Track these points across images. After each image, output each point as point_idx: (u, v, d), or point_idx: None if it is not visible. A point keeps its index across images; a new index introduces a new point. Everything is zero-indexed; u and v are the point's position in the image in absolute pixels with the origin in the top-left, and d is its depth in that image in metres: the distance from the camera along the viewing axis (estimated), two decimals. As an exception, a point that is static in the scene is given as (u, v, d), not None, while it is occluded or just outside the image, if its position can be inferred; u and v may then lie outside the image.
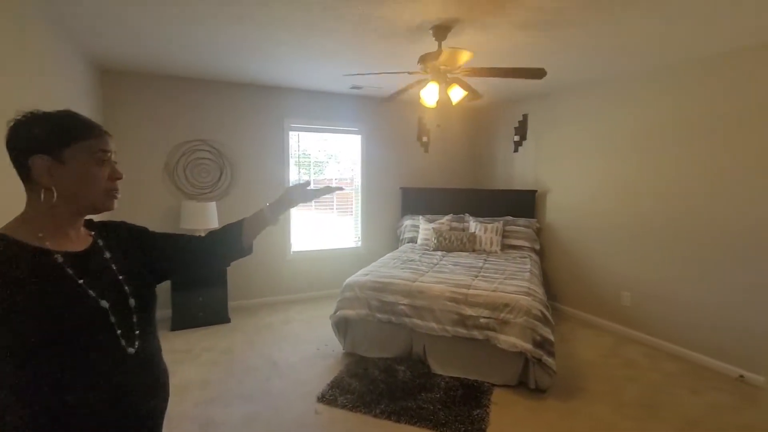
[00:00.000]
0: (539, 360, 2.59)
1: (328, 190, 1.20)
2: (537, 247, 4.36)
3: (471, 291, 2.89)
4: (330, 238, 4.82)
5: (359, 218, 4.92)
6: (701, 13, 2.30)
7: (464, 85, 2.69)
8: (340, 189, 1.27)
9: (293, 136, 4.49)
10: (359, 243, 4.94)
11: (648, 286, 3.54)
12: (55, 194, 0.80)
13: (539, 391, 2.66)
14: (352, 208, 4.93)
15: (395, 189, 5.09)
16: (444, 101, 2.81)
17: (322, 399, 2.57)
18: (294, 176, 4.53)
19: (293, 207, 1.19)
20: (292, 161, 4.49)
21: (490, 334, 2.71)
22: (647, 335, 3.54)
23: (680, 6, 2.21)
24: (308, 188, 1.17)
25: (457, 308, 2.82)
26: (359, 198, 4.90)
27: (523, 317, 2.65)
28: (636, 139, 3.59)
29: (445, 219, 4.66)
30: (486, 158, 5.37)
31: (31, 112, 0.82)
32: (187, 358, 3.14)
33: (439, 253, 4.17)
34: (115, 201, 0.90)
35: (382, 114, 4.90)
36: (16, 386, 0.73)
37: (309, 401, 2.57)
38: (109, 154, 0.87)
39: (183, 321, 3.70)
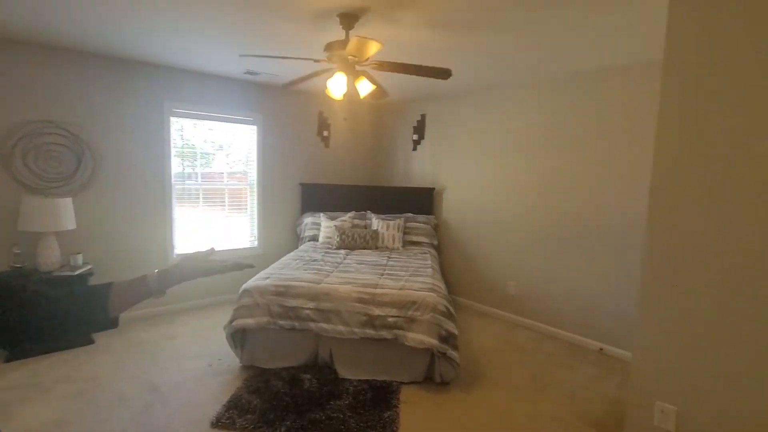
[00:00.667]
0: (444, 354, 2.66)
1: (237, 266, 1.01)
2: (435, 242, 4.54)
3: (378, 290, 2.84)
4: (221, 238, 4.35)
5: (255, 216, 4.54)
6: (579, 34, 2.58)
7: (371, 79, 2.61)
8: (251, 266, 1.06)
9: (175, 123, 3.92)
10: (255, 243, 4.56)
11: (530, 276, 3.93)
12: None
13: (444, 384, 2.74)
14: (246, 204, 4.52)
15: (294, 185, 4.83)
16: (349, 95, 2.69)
17: (218, 424, 2.26)
18: (176, 168, 3.96)
19: (189, 280, 0.97)
20: (173, 151, 3.92)
21: (399, 332, 2.70)
22: (530, 320, 3.93)
23: (564, 26, 2.45)
24: (211, 259, 0.97)
25: (365, 309, 2.74)
26: (254, 194, 4.52)
27: (430, 314, 2.69)
28: (521, 142, 3.95)
29: (348, 216, 4.56)
30: (387, 155, 5.42)
31: None
32: (33, 395, 2.49)
33: (343, 251, 4.06)
34: None
35: (280, 104, 4.59)
36: None
37: (201, 428, 2.24)
38: None
39: (22, 347, 2.94)
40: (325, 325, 2.75)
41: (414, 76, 2.58)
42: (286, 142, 4.69)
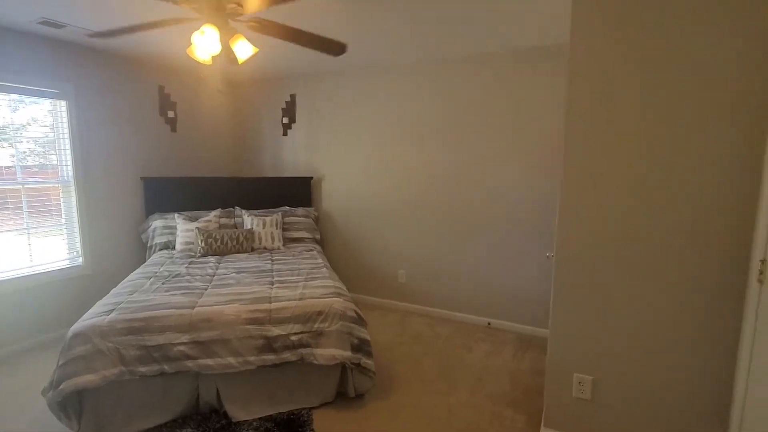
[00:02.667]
0: (358, 364, 2.35)
1: None
2: (318, 236, 4.14)
3: (274, 305, 2.34)
4: (17, 257, 3.09)
5: (75, 223, 3.37)
6: (460, 18, 2.50)
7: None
8: None
9: None
10: (80, 260, 3.40)
11: (418, 262, 3.90)
12: None
13: (359, 397, 2.44)
14: (60, 209, 3.31)
15: (133, 180, 3.76)
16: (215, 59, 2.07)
17: None
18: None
19: None
20: None
21: (305, 351, 2.27)
22: (422, 306, 3.92)
23: (448, 10, 2.33)
24: None
25: (261, 330, 2.22)
26: (71, 194, 3.34)
27: (339, 323, 2.34)
28: (409, 127, 3.82)
29: (212, 215, 3.78)
30: (252, 142, 4.71)
31: None
32: None
33: (212, 258, 3.33)
34: None
35: (103, 74, 3.46)
36: None
37: None
38: None
39: None
40: (208, 361, 2.13)
41: (284, 49, 2.12)
42: (115, 125, 3.58)
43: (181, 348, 2.11)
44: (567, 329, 2.04)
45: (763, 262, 1.55)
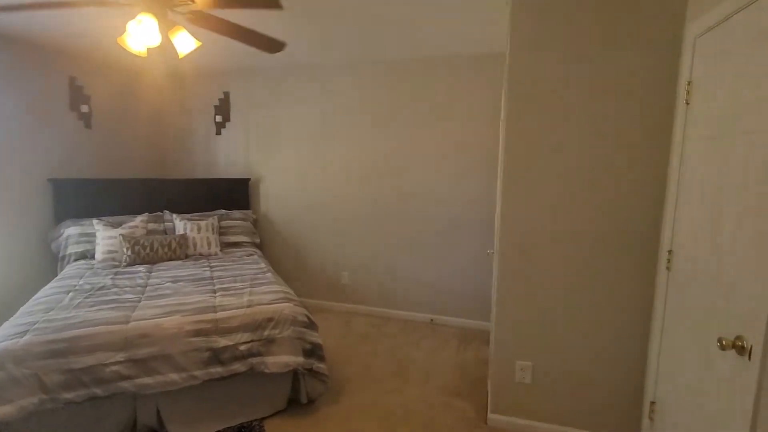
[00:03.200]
0: (311, 369, 2.32)
1: None
2: (257, 240, 3.99)
3: (220, 314, 2.22)
4: None
5: (-34, 234, 2.88)
6: (397, 22, 2.59)
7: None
8: None
9: None
10: (-28, 275, 2.92)
11: (361, 262, 3.93)
12: None
13: (312, 403, 2.40)
14: (-56, 217, 2.81)
15: (39, 182, 3.31)
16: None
17: None
18: None
19: None
20: None
21: (255, 360, 2.18)
22: (366, 306, 3.96)
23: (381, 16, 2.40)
24: None
25: (207, 342, 2.09)
26: (-39, 199, 2.86)
27: (290, 328, 2.28)
28: (340, 126, 3.82)
29: (138, 220, 3.46)
30: (182, 141, 4.39)
31: None
32: None
33: (141, 267, 3.05)
34: None
35: (1, 59, 3.00)
36: None
37: None
38: None
39: None
40: (147, 380, 1.96)
41: (217, 44, 2.03)
42: (15, 120, 3.13)
43: (115, 368, 1.91)
44: (509, 320, 2.20)
45: (670, 252, 1.82)
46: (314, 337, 2.38)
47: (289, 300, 2.44)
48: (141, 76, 4.10)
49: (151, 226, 3.51)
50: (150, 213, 3.63)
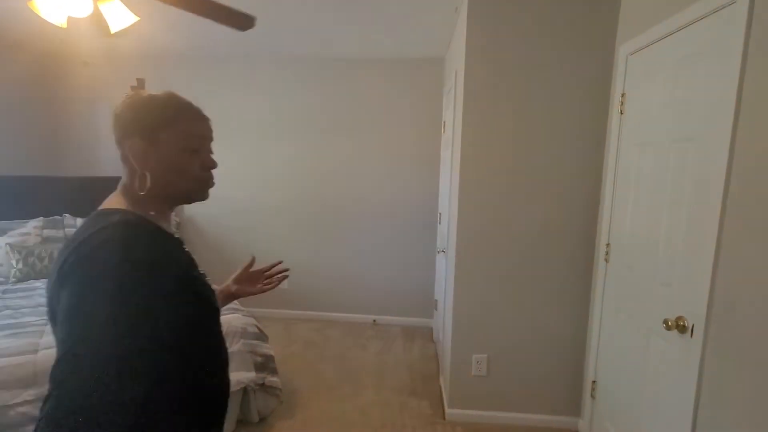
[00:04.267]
0: (262, 384, 2.15)
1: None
2: (181, 246, 3.59)
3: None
4: None
5: None
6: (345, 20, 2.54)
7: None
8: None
9: None
10: None
11: (301, 266, 3.73)
12: (149, 180, 0.74)
13: (264, 421, 2.23)
14: None
15: None
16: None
17: None
18: None
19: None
20: None
21: (201, 381, 1.94)
22: (307, 311, 3.80)
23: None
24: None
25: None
26: None
27: (240, 341, 2.09)
28: (276, 122, 3.63)
29: (31, 226, 2.89)
30: (84, 133, 3.76)
31: (137, 93, 0.80)
32: None
33: (38, 284, 2.54)
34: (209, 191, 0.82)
35: None
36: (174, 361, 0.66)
37: None
38: (205, 140, 0.82)
39: None
40: (68, 418, 1.63)
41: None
42: None
43: (23, 409, 1.56)
44: (465, 315, 2.27)
45: (608, 245, 2.02)
46: (266, 348, 2.21)
47: (235, 310, 2.23)
48: (52, 58, 3.44)
49: (47, 232, 2.95)
50: (46, 217, 3.05)
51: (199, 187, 0.82)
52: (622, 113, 1.92)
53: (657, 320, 1.57)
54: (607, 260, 2.02)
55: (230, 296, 1.07)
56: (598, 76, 2.03)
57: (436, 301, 3.38)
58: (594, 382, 2.12)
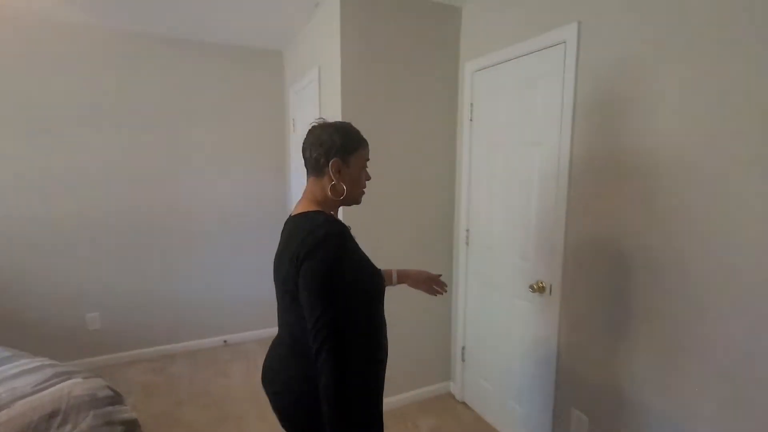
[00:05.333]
0: (127, 459, 1.65)
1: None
2: None
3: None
4: None
5: None
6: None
7: None
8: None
9: None
10: None
11: (118, 296, 2.97)
12: (344, 189, 1.06)
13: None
14: None
15: None
16: None
17: None
18: None
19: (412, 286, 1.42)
20: None
21: (37, 489, 1.34)
22: (131, 351, 3.04)
23: None
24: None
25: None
26: None
27: (90, 414, 1.53)
28: (80, 112, 2.74)
29: None
30: None
31: (325, 121, 1.08)
32: None
33: None
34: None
35: None
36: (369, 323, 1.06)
37: None
38: (367, 161, 1.11)
39: None
40: None
41: None
42: None
43: None
44: None
45: (467, 231, 2.40)
46: (126, 413, 1.69)
47: (70, 374, 1.61)
48: None
49: None
50: None
51: (360, 195, 1.12)
52: (471, 120, 2.30)
53: (522, 287, 1.99)
54: (467, 244, 2.40)
55: (394, 280, 1.40)
56: (450, 87, 2.36)
57: (463, 348, 3.24)
58: (463, 347, 2.50)
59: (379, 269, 1.16)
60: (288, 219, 1.09)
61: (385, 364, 1.14)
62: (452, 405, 2.49)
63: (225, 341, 3.35)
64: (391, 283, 1.37)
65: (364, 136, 1.11)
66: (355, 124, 1.12)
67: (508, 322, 2.13)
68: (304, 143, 1.08)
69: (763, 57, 1.12)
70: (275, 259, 1.08)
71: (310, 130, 1.08)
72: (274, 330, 3.43)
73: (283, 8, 2.39)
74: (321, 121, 1.09)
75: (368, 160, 1.11)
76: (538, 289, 1.88)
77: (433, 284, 1.41)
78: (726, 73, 1.20)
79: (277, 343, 1.13)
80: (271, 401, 1.09)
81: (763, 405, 1.16)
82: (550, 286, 1.84)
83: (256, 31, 2.81)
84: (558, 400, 1.85)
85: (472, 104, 2.28)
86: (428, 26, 2.24)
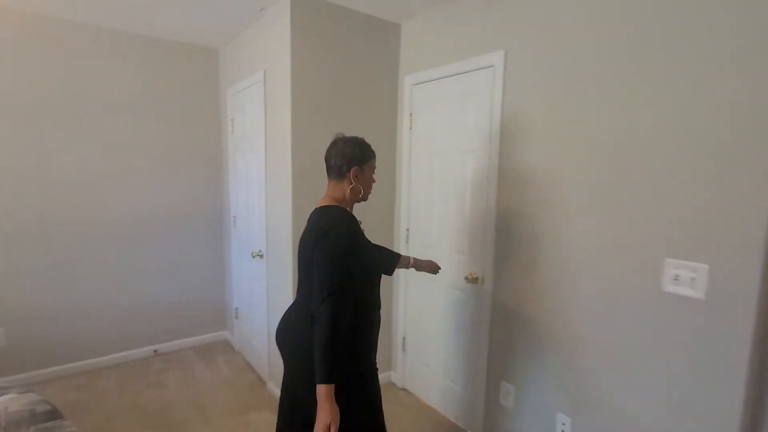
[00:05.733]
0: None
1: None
2: None
3: None
4: None
5: None
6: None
7: None
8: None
9: None
10: None
11: (28, 310, 2.68)
12: (362, 191, 1.40)
13: None
14: None
15: None
16: None
17: None
18: None
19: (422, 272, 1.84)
20: None
21: None
22: (45, 369, 2.76)
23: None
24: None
25: None
26: None
27: (29, 430, 1.44)
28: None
29: None
30: None
31: (345, 136, 1.41)
32: None
33: None
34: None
35: None
36: (363, 303, 1.34)
37: None
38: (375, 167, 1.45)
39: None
40: None
41: None
42: None
43: None
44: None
45: (407, 230, 2.61)
46: (67, 428, 1.59)
47: (3, 389, 1.49)
48: None
49: None
50: None
51: (369, 194, 1.44)
52: (411, 128, 2.51)
53: (459, 278, 2.24)
54: (407, 242, 2.61)
55: (410, 264, 1.75)
56: (392, 96, 2.55)
57: (237, 309, 3.23)
58: (404, 338, 2.71)
59: (390, 259, 1.65)
60: (314, 210, 1.38)
61: (374, 344, 1.45)
62: (394, 392, 2.68)
63: (155, 351, 3.18)
64: (407, 267, 1.73)
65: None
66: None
67: (446, 311, 2.38)
68: (327, 153, 1.38)
69: (621, 99, 1.47)
70: (300, 240, 1.37)
71: (333, 143, 1.38)
72: (211, 335, 3.36)
73: (226, 9, 2.39)
74: (341, 135, 1.40)
75: (375, 167, 1.43)
76: (473, 279, 2.15)
77: (437, 269, 1.78)
78: (584, 107, 1.54)
79: (293, 307, 1.40)
80: (281, 353, 1.39)
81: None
82: (483, 276, 2.11)
83: (194, 28, 2.74)
84: (489, 374, 2.13)
85: (411, 114, 2.50)
86: (371, 39, 2.41)
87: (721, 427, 1.33)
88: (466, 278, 2.16)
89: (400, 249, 2.66)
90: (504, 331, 2.04)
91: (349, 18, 2.31)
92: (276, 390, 2.53)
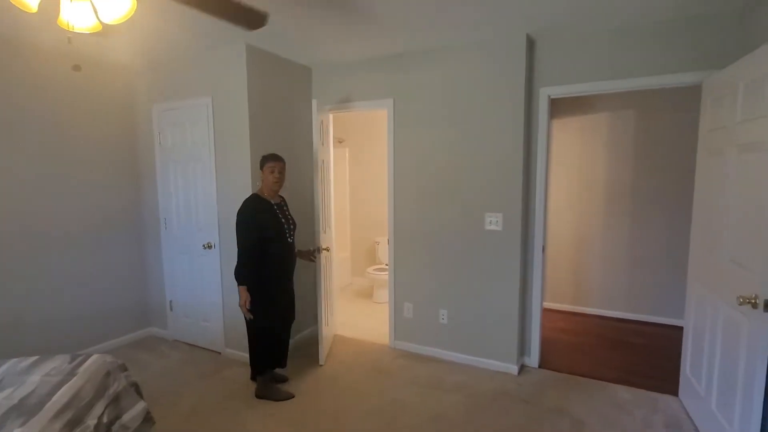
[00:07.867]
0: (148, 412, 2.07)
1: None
2: None
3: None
4: None
5: None
6: None
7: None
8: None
9: None
10: None
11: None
12: (261, 184, 2.56)
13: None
14: None
15: None
16: None
17: None
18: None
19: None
20: None
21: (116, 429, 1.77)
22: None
23: None
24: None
25: None
26: None
27: (121, 375, 1.93)
28: None
29: None
30: None
31: (267, 152, 2.60)
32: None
33: None
34: (278, 188, 2.56)
35: None
36: (266, 252, 2.47)
37: None
38: (274, 168, 2.50)
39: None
40: None
41: None
42: None
43: None
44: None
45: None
46: (131, 377, 2.09)
47: (84, 354, 1.92)
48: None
49: None
50: None
51: (273, 186, 2.54)
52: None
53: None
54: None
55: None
56: (309, 122, 3.49)
57: (170, 301, 3.54)
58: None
59: (285, 232, 2.58)
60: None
61: (278, 267, 2.57)
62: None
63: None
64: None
65: (260, 148, 2.65)
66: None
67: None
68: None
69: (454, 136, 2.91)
70: None
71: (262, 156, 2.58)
72: (137, 334, 3.58)
73: (171, 35, 2.69)
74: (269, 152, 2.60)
75: (274, 167, 2.50)
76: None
77: (310, 256, 2.93)
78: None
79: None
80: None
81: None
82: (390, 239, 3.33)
83: (120, 43, 2.82)
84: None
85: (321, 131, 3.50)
86: (295, 78, 3.32)
87: (509, 293, 2.89)
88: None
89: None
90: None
91: (282, 63, 3.16)
92: (233, 354, 3.18)
